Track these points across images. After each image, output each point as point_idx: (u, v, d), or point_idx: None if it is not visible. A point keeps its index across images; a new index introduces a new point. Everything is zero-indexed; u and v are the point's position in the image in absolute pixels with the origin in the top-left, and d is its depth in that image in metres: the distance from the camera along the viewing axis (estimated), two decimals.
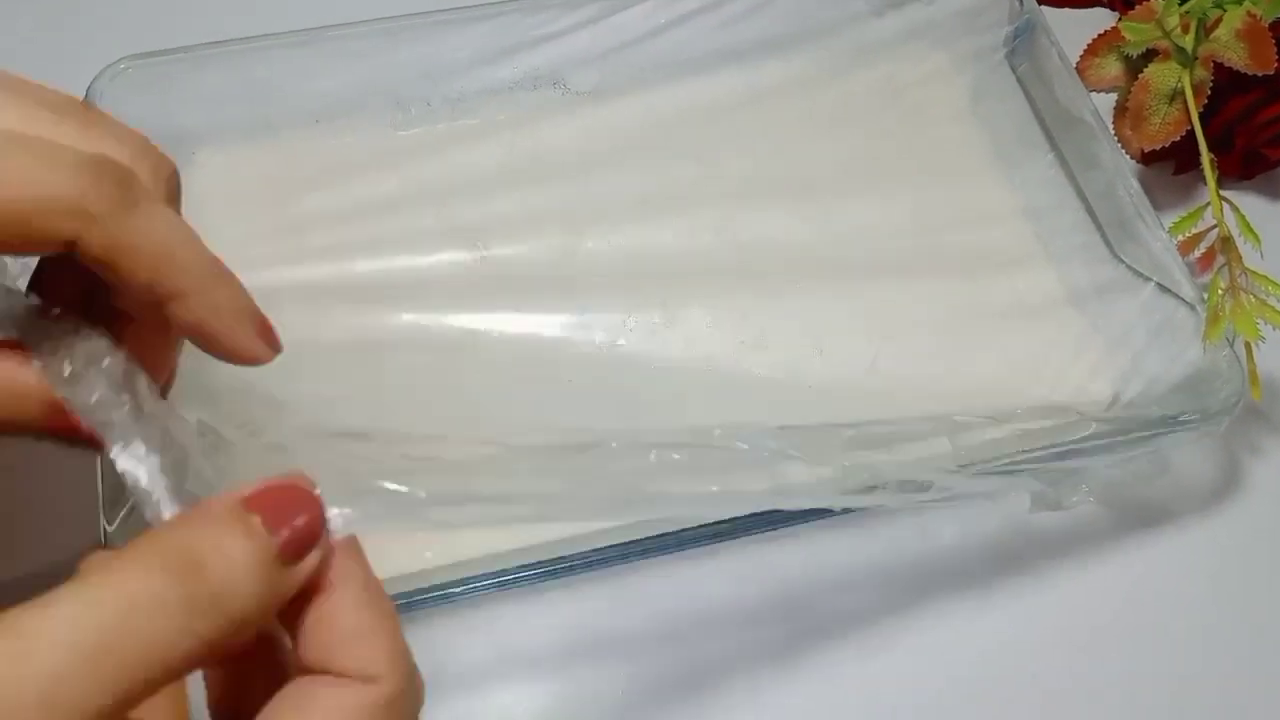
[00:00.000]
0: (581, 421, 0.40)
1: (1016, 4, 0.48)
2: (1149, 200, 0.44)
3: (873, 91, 0.50)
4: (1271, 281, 0.40)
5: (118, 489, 0.34)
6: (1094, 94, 0.47)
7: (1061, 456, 0.38)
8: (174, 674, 0.20)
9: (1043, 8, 0.49)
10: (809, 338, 0.43)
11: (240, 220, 0.44)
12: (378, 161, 0.46)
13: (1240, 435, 0.45)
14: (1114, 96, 0.49)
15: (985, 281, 0.45)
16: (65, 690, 0.18)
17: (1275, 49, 0.44)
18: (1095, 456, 0.39)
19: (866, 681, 0.40)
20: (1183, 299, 0.42)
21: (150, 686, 0.20)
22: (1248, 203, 0.49)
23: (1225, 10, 0.45)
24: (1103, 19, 0.54)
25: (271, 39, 0.44)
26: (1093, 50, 0.48)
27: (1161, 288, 0.42)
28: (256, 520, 0.22)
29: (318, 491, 0.23)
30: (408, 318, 0.43)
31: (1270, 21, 0.45)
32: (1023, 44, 0.48)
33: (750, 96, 0.49)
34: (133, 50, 0.43)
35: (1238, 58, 0.45)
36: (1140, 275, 0.43)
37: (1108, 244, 0.44)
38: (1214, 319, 0.40)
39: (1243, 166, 0.49)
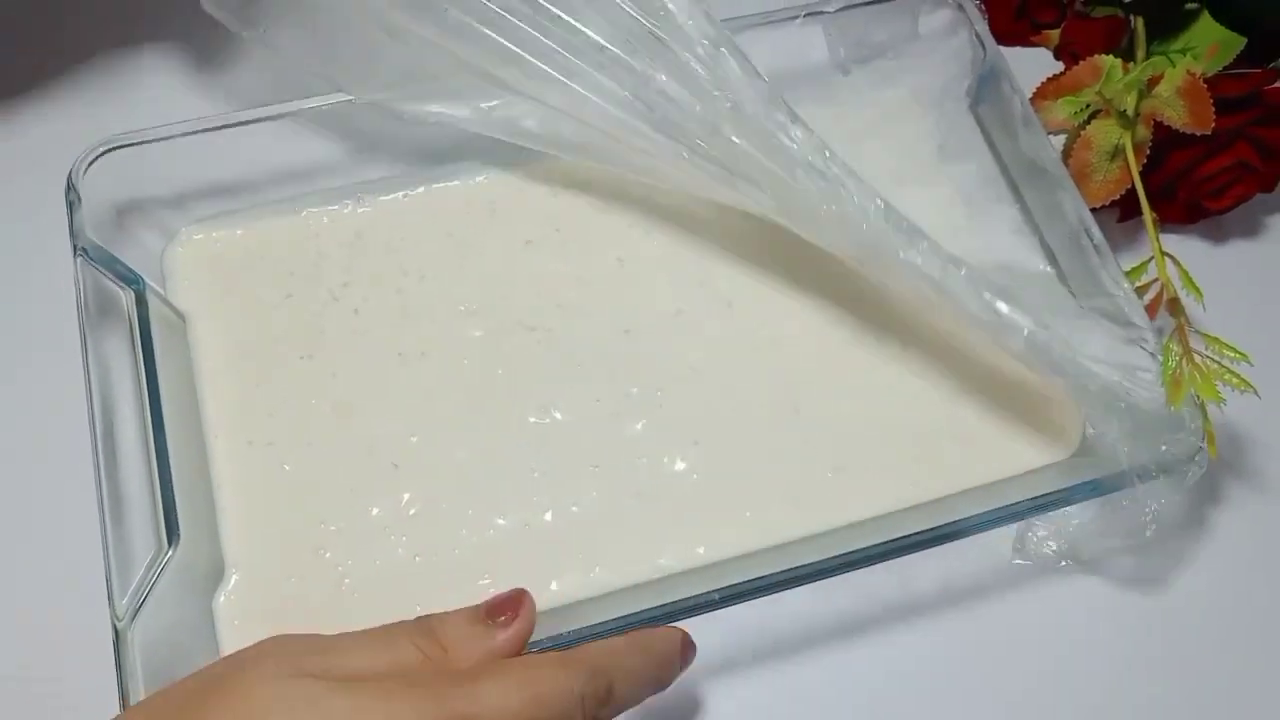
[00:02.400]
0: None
1: (980, 51, 0.48)
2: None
3: (838, 142, 0.50)
4: (1223, 344, 0.41)
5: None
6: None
7: (1044, 507, 0.39)
8: None
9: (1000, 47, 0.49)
10: (789, 397, 0.44)
11: (225, 295, 0.44)
12: (343, 236, 0.46)
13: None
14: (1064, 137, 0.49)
15: (960, 328, 0.46)
16: None
17: (1213, 108, 0.45)
18: (1064, 508, 0.40)
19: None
20: (1145, 349, 0.42)
21: None
22: (1191, 246, 0.51)
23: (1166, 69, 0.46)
24: (1041, 59, 0.53)
25: (242, 116, 0.43)
26: (1041, 94, 0.48)
27: (1126, 339, 0.43)
28: None
29: None
30: (384, 385, 0.43)
31: (1208, 78, 0.45)
32: (986, 92, 0.48)
33: None
34: (111, 132, 0.43)
35: (1178, 117, 0.45)
36: (1104, 326, 0.44)
37: (1072, 294, 0.44)
38: (1174, 384, 0.40)
39: (1185, 215, 0.50)
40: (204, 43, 0.52)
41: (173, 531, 0.37)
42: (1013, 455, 0.44)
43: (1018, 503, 0.39)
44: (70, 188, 0.41)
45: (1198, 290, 0.43)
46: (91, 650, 0.39)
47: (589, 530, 0.41)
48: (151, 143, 0.43)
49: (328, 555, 0.40)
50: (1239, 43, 0.48)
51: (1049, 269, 0.46)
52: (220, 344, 0.43)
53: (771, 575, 0.37)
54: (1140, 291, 0.43)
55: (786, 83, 0.49)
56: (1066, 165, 0.47)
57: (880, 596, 0.43)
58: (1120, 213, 0.50)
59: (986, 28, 0.48)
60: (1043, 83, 0.48)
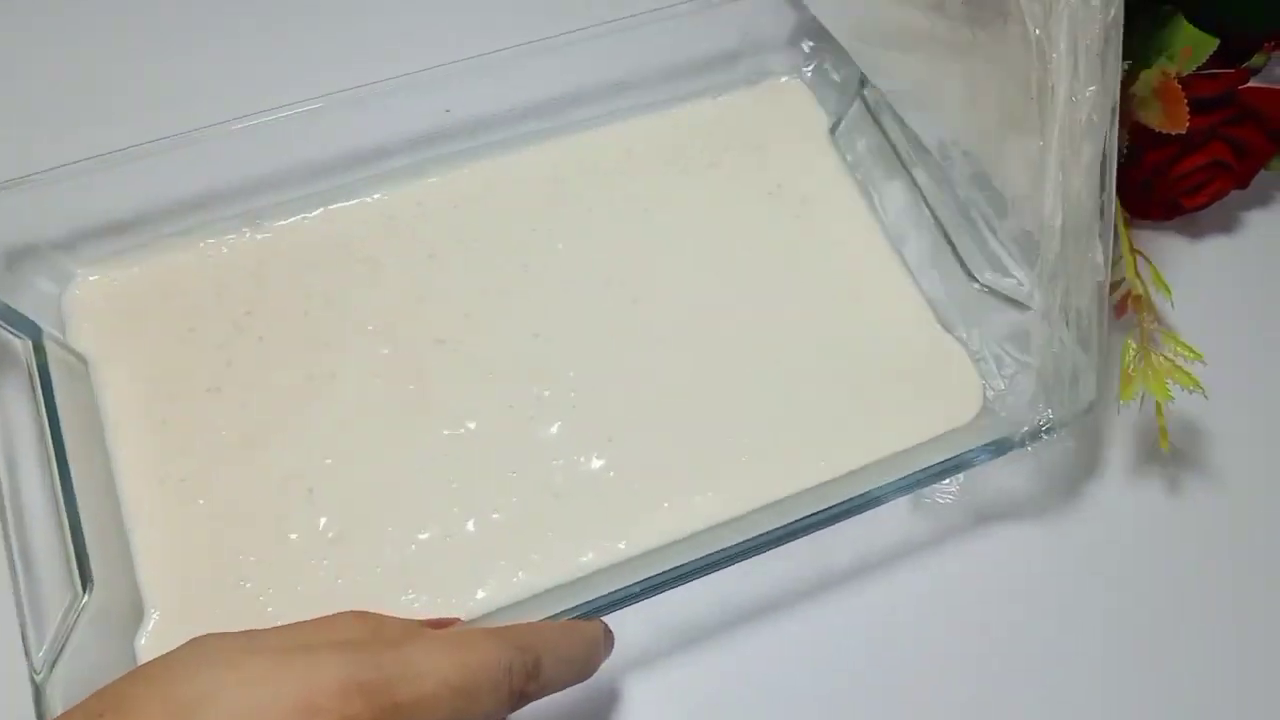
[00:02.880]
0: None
1: None
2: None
3: (733, 128, 0.51)
4: (1181, 343, 0.42)
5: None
6: None
7: (950, 471, 0.40)
8: None
9: None
10: (699, 387, 0.45)
11: (127, 335, 0.44)
12: (244, 265, 0.46)
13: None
14: None
15: (858, 307, 0.47)
16: None
17: (1188, 108, 0.45)
18: (971, 467, 0.41)
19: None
20: (1033, 309, 0.43)
21: None
22: (1167, 242, 0.52)
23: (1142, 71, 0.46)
24: None
25: (134, 151, 0.43)
26: None
27: (1013, 302, 0.44)
28: None
29: None
30: (295, 412, 0.43)
31: (1183, 78, 0.46)
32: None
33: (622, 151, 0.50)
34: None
35: (1154, 117, 0.46)
36: (995, 293, 0.45)
37: (962, 265, 0.45)
38: (1126, 380, 0.41)
39: (1162, 212, 0.51)
40: (78, 82, 0.52)
41: (86, 578, 0.36)
42: (918, 424, 0.44)
43: (924, 469, 0.40)
44: None
45: (1167, 288, 0.44)
46: (14, 705, 0.39)
47: (511, 535, 0.42)
48: (38, 185, 0.42)
49: (248, 586, 0.40)
50: (1212, 44, 0.48)
51: (943, 241, 0.47)
52: (125, 385, 0.43)
53: (689, 563, 0.38)
54: (1112, 289, 0.44)
55: (683, 72, 0.51)
56: None
57: (797, 574, 0.44)
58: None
59: None
60: None
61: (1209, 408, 0.46)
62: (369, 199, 0.48)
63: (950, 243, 0.46)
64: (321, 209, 0.47)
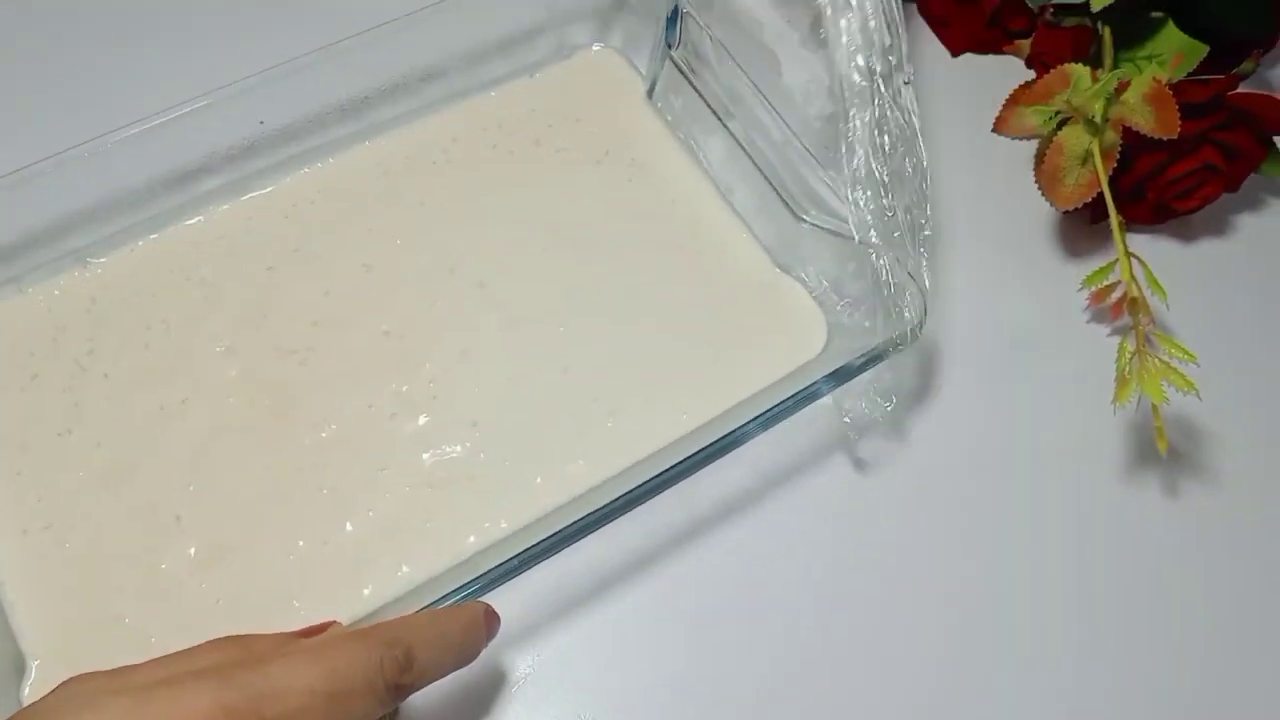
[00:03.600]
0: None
1: None
2: (1061, 240, 0.48)
3: (552, 103, 0.52)
4: (1176, 345, 0.42)
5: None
6: (1016, 140, 0.50)
7: (800, 402, 0.42)
8: None
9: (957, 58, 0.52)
10: (556, 360, 0.46)
11: None
12: (78, 303, 0.45)
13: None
14: (1034, 144, 0.51)
15: (698, 260, 0.49)
16: None
17: (1179, 114, 0.46)
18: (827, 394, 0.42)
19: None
20: (860, 241, 0.44)
21: None
22: (1160, 246, 0.53)
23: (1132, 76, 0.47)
24: (1012, 66, 0.57)
25: None
26: (1013, 100, 0.50)
27: (840, 236, 0.45)
28: None
29: None
30: (151, 443, 0.43)
31: (1173, 84, 0.47)
32: (678, 33, 0.50)
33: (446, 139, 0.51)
34: None
35: (1145, 122, 0.46)
36: (823, 229, 0.46)
37: (789, 207, 0.47)
38: (1122, 382, 0.42)
39: (1155, 215, 0.52)
40: None
41: None
42: (770, 363, 0.46)
43: (771, 409, 0.41)
44: None
45: (1161, 290, 0.45)
46: None
47: (390, 531, 0.42)
48: None
49: (128, 620, 0.39)
50: (1202, 50, 0.49)
51: (767, 187, 0.48)
52: None
53: (560, 530, 0.38)
54: (1106, 293, 0.46)
55: (493, 54, 0.51)
56: (1041, 168, 0.49)
57: (668, 526, 0.45)
58: (1091, 215, 0.51)
59: None
60: (1015, 90, 0.50)
61: (1203, 409, 0.47)
62: (196, 220, 0.47)
63: (774, 187, 0.47)
64: (150, 236, 0.47)
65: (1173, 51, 0.51)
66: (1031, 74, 0.54)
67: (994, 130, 0.51)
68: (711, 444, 0.41)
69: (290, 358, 0.45)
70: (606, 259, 0.48)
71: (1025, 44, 0.56)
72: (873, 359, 0.42)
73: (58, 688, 0.30)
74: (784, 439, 0.46)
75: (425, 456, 0.44)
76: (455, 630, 0.35)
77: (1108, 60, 0.51)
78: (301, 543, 0.42)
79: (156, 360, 0.44)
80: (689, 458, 0.40)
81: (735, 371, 0.46)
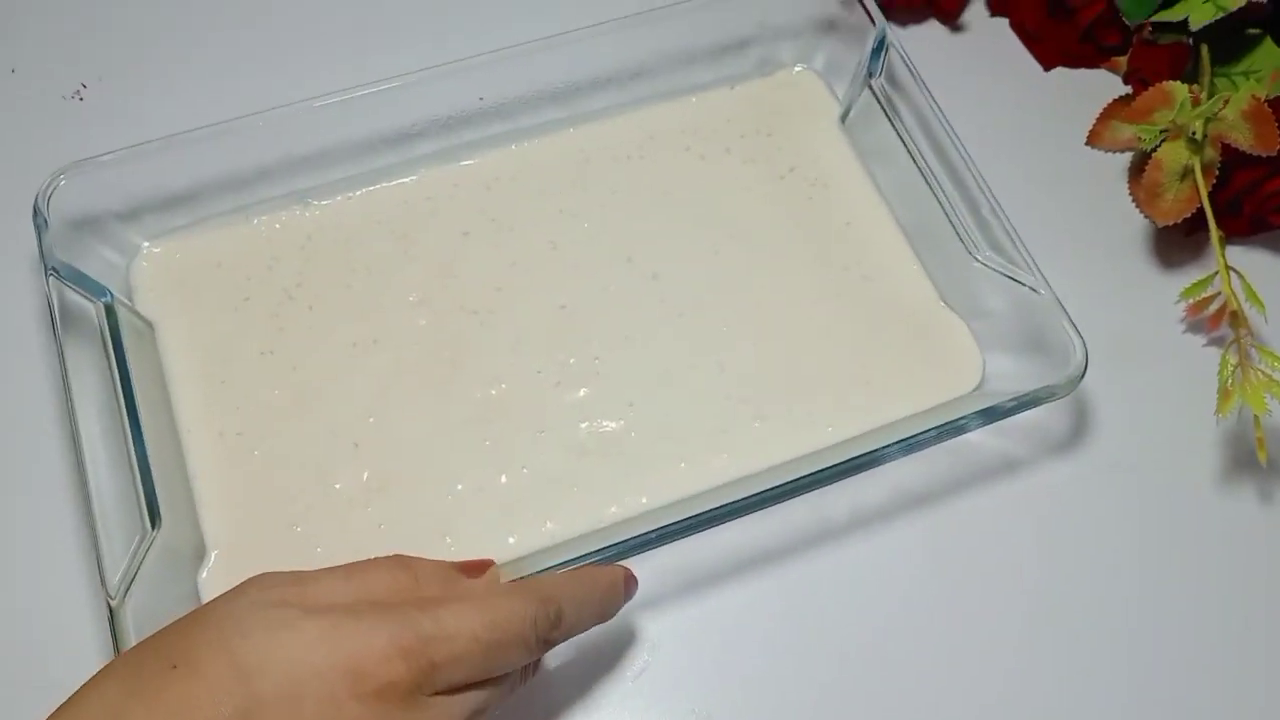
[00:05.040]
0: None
1: (870, 22, 0.51)
2: (1155, 252, 0.49)
3: (747, 115, 0.54)
4: (1275, 357, 0.44)
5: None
6: (1111, 153, 0.52)
7: (944, 434, 0.43)
8: None
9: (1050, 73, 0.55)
10: (714, 357, 0.48)
11: (189, 302, 0.48)
12: (294, 239, 0.50)
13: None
14: (1122, 157, 0.53)
15: (865, 285, 0.50)
16: None
17: (1278, 129, 0.47)
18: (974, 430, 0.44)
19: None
20: (1032, 288, 0.46)
21: None
22: (1254, 258, 0.54)
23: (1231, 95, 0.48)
24: (1104, 80, 0.58)
25: (192, 135, 0.47)
26: (1108, 114, 0.51)
27: (1015, 280, 0.47)
28: None
29: None
30: (340, 373, 0.47)
31: (1271, 100, 0.48)
32: (879, 62, 0.52)
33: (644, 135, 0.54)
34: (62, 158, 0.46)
35: (1243, 139, 0.48)
36: (994, 270, 0.47)
37: (963, 244, 0.48)
38: (1224, 394, 0.44)
39: (1250, 228, 0.53)
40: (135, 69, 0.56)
41: (155, 516, 0.40)
42: (920, 394, 0.48)
43: (917, 434, 0.43)
44: (36, 212, 0.44)
45: (1260, 303, 0.46)
46: (88, 631, 0.43)
47: (540, 489, 0.45)
48: (104, 165, 0.46)
49: (299, 530, 0.43)
50: None
51: (945, 224, 0.49)
52: (187, 347, 0.47)
53: (702, 514, 0.41)
54: (1204, 305, 0.47)
55: (701, 60, 0.54)
56: (1137, 180, 0.50)
57: (798, 528, 0.47)
58: (1187, 227, 0.52)
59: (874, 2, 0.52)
60: (1109, 104, 0.51)
61: None
62: (407, 180, 0.51)
63: (951, 223, 0.49)
64: (366, 188, 0.51)
65: (1270, 68, 0.51)
66: (1121, 88, 0.54)
67: (1088, 143, 0.52)
68: (850, 460, 0.42)
69: (473, 317, 0.49)
70: (776, 269, 0.50)
71: (1122, 60, 0.57)
72: (1025, 403, 0.43)
73: (244, 584, 0.34)
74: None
75: (582, 426, 0.47)
76: (599, 591, 0.38)
77: (1205, 77, 0.51)
78: (460, 486, 0.45)
79: (356, 301, 0.48)
80: (828, 469, 0.42)
81: (885, 396, 0.48)
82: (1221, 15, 0.51)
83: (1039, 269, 0.46)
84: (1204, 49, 0.52)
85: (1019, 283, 0.46)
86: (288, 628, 0.32)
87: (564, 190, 0.52)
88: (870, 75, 0.52)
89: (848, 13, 0.53)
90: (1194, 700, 0.45)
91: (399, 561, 0.36)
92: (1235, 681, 0.45)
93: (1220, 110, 0.48)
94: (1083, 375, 0.44)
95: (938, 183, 0.49)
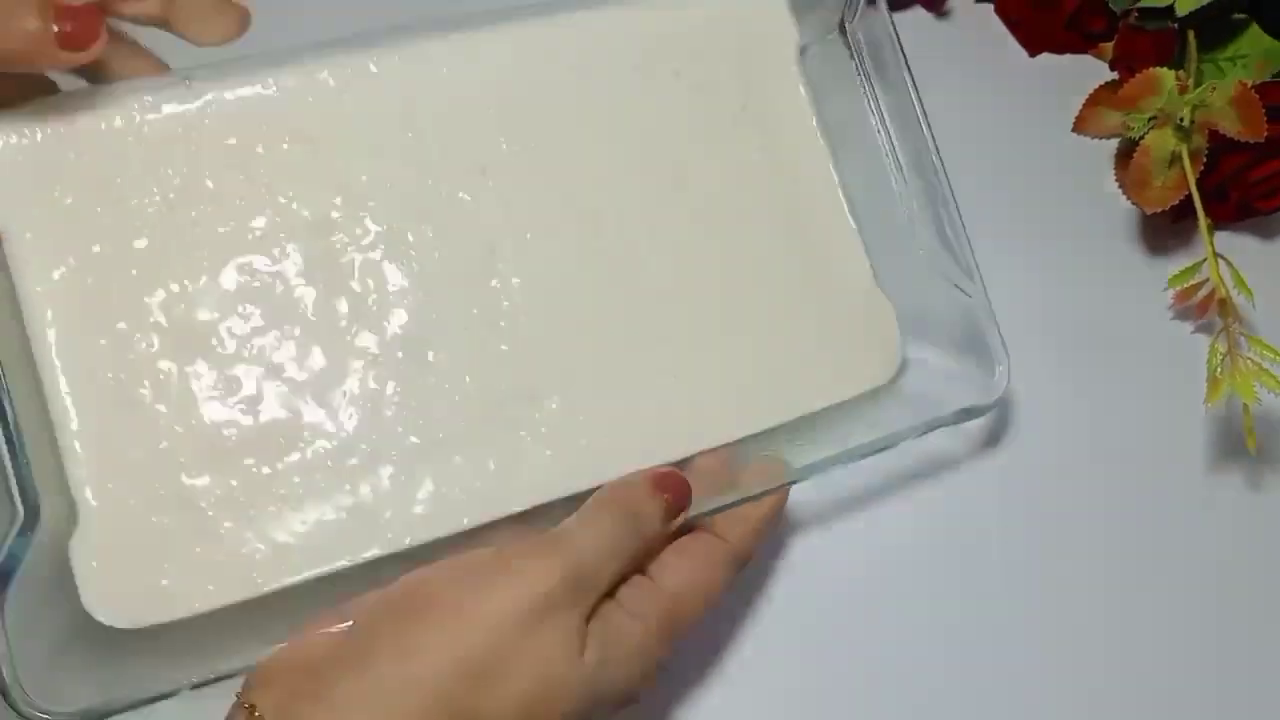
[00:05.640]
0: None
1: None
2: (1141, 238, 0.50)
3: (704, 37, 0.48)
4: (1266, 346, 0.44)
5: None
6: (1096, 140, 0.51)
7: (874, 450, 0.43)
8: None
9: (1035, 59, 0.54)
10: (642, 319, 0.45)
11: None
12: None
13: None
14: (1107, 143, 0.52)
15: (801, 258, 0.47)
16: None
17: (1265, 116, 0.46)
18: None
19: None
20: (964, 291, 0.45)
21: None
22: (1241, 243, 0.55)
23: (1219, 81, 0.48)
24: (1088, 66, 0.57)
25: None
26: (1094, 100, 0.50)
27: (949, 280, 0.46)
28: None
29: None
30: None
31: (1258, 86, 0.47)
32: (856, 7, 0.47)
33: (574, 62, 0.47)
34: None
35: (1231, 125, 0.47)
36: (935, 266, 0.46)
37: (912, 231, 0.46)
38: (1213, 383, 0.44)
39: (1237, 214, 0.52)
40: None
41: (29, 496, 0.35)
42: (837, 380, 0.46)
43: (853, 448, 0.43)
44: None
45: (1249, 291, 0.46)
46: None
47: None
48: None
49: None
50: None
51: (891, 207, 0.47)
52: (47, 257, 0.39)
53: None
54: (1191, 292, 0.47)
55: None
56: (1124, 166, 0.49)
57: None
58: (1174, 214, 0.51)
59: None
60: (1095, 90, 0.50)
61: None
62: (319, 75, 0.43)
63: (904, 208, 0.46)
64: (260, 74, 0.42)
65: (1257, 53, 0.51)
66: (1107, 74, 0.54)
67: (1074, 130, 0.51)
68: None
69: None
70: (715, 228, 0.46)
71: (1108, 47, 0.56)
72: (964, 416, 0.43)
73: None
74: None
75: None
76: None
77: (1192, 64, 0.51)
78: (364, 446, 0.41)
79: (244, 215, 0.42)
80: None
81: (800, 380, 0.46)
82: (1207, 1, 0.49)
83: (979, 271, 0.45)
84: (1190, 35, 0.51)
85: (954, 285, 0.45)
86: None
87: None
88: (845, 19, 0.47)
89: None
90: (1184, 688, 0.47)
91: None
92: (1225, 670, 0.48)
93: (1208, 97, 0.47)
94: (1001, 393, 0.44)
95: (895, 162, 0.46)
